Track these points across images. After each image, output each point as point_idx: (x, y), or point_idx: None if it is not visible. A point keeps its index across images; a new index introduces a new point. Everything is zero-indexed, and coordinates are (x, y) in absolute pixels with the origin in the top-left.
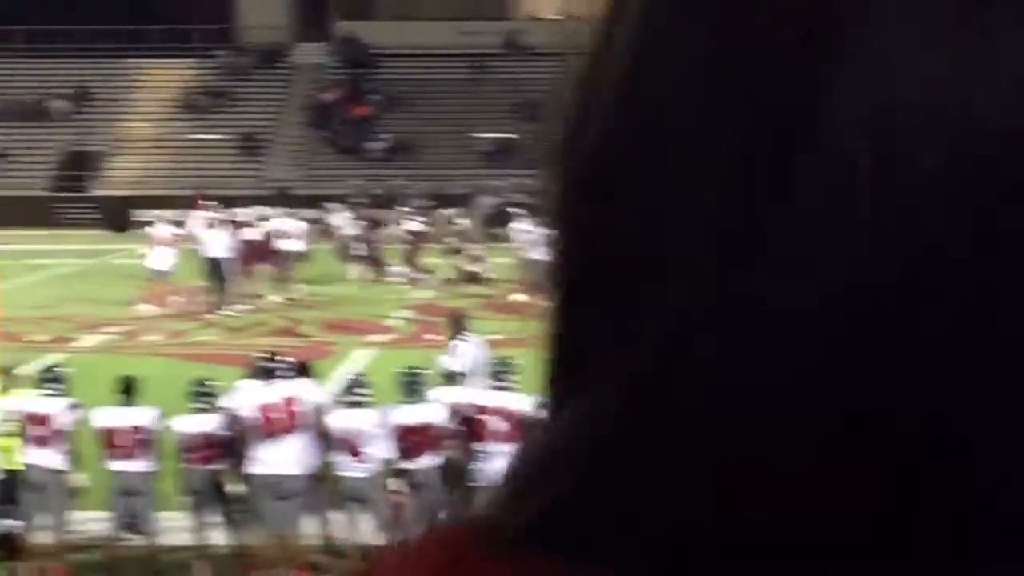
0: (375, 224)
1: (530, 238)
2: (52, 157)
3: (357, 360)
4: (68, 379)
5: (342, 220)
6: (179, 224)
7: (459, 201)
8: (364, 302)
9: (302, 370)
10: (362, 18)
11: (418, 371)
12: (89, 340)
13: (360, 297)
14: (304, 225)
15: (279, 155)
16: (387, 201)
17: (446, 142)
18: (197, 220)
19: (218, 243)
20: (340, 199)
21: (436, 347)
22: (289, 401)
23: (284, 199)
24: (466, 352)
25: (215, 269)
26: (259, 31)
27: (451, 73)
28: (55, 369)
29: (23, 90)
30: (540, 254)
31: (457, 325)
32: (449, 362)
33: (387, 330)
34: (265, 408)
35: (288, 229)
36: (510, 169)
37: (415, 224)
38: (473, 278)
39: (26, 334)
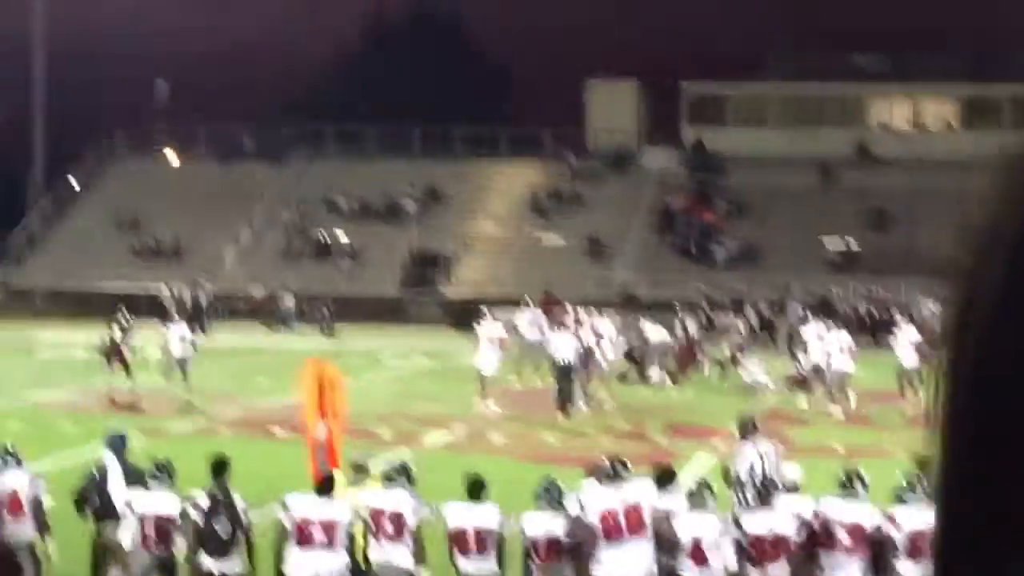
0: (713, 328)
1: (825, 343)
2: (402, 256)
3: (700, 465)
4: (415, 476)
5: (651, 329)
6: (508, 324)
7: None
8: (704, 407)
9: (651, 475)
10: (711, 124)
11: (767, 478)
12: (434, 437)
13: (700, 402)
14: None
15: (625, 259)
16: (731, 306)
17: (793, 249)
18: (541, 321)
19: (564, 345)
20: (684, 304)
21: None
22: (634, 505)
23: (629, 302)
24: (746, 456)
25: (561, 371)
26: (608, 135)
27: (799, 180)
28: (403, 466)
29: (375, 190)
30: (844, 364)
31: (743, 430)
32: (733, 465)
33: (729, 436)
34: (610, 511)
35: (621, 332)
36: (857, 277)
37: (747, 329)
38: (801, 384)
39: (374, 430)
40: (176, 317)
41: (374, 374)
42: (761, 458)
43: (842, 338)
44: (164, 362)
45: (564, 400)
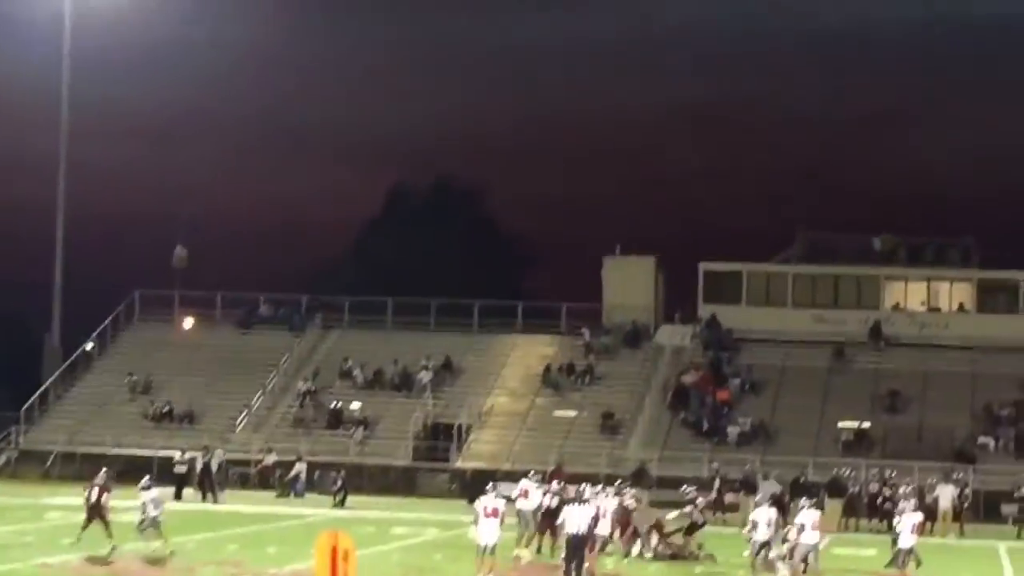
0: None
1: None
2: (415, 427)
3: None
4: None
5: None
6: (508, 498)
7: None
8: None
9: None
10: (725, 302)
11: None
12: None
13: None
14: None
15: (638, 434)
16: (743, 485)
17: (806, 429)
18: (530, 489)
19: (577, 517)
20: (694, 480)
21: None
22: None
23: (641, 478)
24: None
25: (572, 543)
26: (624, 311)
27: (813, 360)
28: None
29: (390, 361)
30: (811, 538)
31: None
32: None
33: None
34: None
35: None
36: (868, 458)
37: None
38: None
39: None
40: (147, 483)
41: (385, 545)
42: None
43: (811, 515)
44: (140, 524)
45: (574, 573)
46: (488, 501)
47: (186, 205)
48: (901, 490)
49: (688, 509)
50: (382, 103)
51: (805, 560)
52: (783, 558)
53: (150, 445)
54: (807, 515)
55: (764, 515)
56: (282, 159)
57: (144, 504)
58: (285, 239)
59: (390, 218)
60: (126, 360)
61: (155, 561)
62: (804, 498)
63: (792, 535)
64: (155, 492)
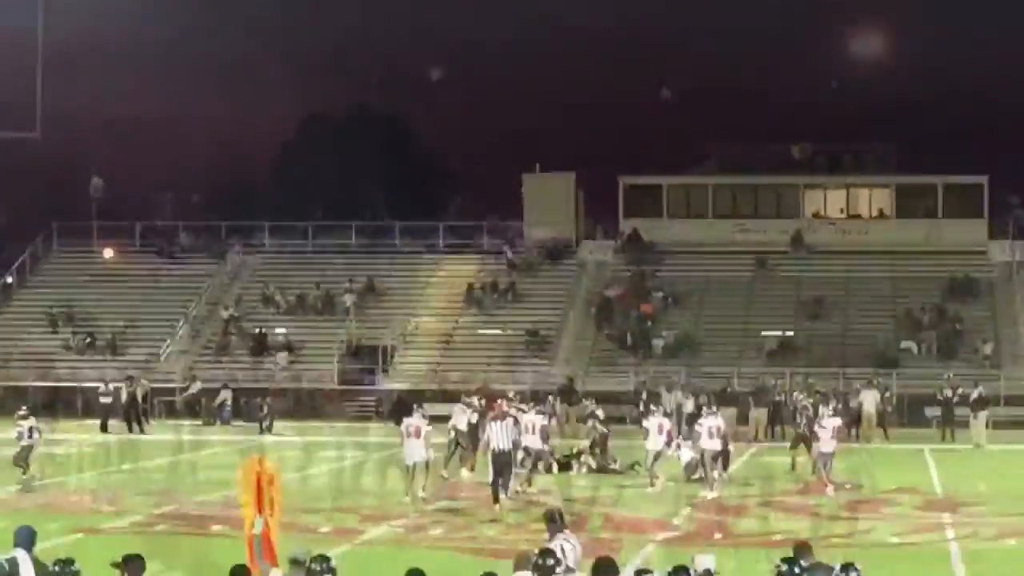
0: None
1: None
2: (340, 350)
3: (645, 558)
4: (337, 570)
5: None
6: (432, 417)
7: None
8: (645, 500)
9: (596, 568)
10: (647, 216)
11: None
12: (374, 532)
13: (641, 495)
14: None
15: (563, 350)
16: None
17: (730, 339)
18: (473, 412)
19: (502, 435)
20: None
21: (720, 545)
22: None
23: (567, 393)
24: (564, 550)
25: (498, 460)
26: (545, 227)
27: (734, 271)
28: (325, 560)
29: (312, 284)
30: (712, 444)
31: (552, 523)
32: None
33: (671, 528)
34: None
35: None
36: (792, 366)
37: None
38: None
39: (312, 525)
40: (25, 411)
41: (312, 468)
42: (563, 552)
43: (711, 422)
44: (18, 453)
45: (500, 490)
46: (412, 421)
47: (104, 134)
48: (795, 395)
49: (590, 424)
50: (295, 26)
51: (711, 468)
52: (697, 465)
53: (74, 377)
54: (708, 422)
55: (655, 423)
56: (194, 84)
57: (20, 433)
58: (203, 166)
59: (307, 142)
60: (46, 292)
61: (28, 490)
62: (707, 407)
63: (650, 447)
64: (32, 420)
